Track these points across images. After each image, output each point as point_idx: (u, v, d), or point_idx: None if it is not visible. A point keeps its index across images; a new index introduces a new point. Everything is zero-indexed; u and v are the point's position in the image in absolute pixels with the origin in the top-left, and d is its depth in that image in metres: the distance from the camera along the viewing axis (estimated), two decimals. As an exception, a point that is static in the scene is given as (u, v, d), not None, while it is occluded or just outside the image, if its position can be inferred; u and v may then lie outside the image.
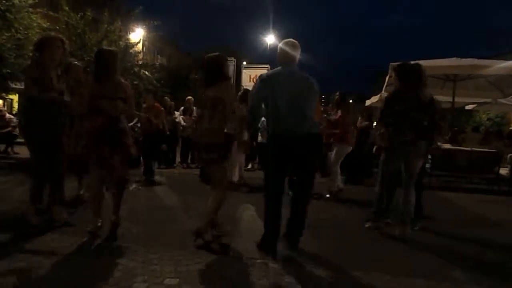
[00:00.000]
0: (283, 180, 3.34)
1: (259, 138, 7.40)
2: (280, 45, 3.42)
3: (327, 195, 5.77)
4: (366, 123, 7.92)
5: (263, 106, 3.29)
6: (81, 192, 4.77)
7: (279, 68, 3.34)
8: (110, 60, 3.48)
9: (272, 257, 3.04)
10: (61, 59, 3.78)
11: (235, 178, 6.72)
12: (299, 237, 3.27)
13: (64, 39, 3.86)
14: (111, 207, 3.49)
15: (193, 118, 8.20)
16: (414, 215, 4.04)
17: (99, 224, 3.42)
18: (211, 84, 3.34)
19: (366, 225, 4.08)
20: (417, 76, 3.81)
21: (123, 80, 3.60)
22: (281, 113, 3.18)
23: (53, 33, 4.43)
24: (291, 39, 3.42)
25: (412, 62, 3.96)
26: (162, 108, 7.30)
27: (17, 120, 10.01)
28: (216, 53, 3.48)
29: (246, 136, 6.69)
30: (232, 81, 14.66)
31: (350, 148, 5.91)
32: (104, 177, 3.48)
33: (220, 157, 3.31)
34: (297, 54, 3.37)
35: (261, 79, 3.28)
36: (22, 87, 4.11)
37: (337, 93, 6.13)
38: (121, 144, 3.43)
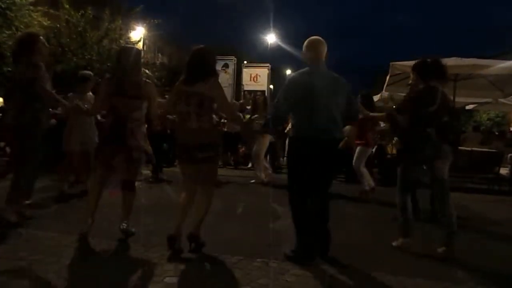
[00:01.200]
0: (307, 183, 3.14)
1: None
2: (304, 44, 3.26)
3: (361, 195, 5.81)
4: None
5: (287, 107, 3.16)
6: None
7: (307, 68, 3.19)
8: (126, 58, 3.34)
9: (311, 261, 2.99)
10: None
11: (264, 177, 6.76)
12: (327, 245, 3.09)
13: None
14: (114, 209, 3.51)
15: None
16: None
17: (90, 221, 3.28)
18: (197, 79, 3.11)
19: (394, 244, 3.52)
20: (442, 74, 3.54)
21: (145, 79, 3.50)
22: (311, 115, 3.05)
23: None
24: (315, 37, 3.25)
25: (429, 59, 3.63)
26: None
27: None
28: (202, 45, 3.25)
29: (269, 137, 6.76)
30: (233, 80, 14.69)
31: (370, 150, 5.88)
32: (105, 178, 3.41)
33: (213, 156, 3.19)
34: (323, 52, 3.20)
35: (290, 80, 3.18)
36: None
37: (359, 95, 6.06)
38: (125, 145, 3.29)
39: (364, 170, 5.86)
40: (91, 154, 5.20)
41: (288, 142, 3.54)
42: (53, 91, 3.91)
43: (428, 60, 3.59)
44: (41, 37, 3.97)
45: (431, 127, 3.36)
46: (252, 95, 12.46)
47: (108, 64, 9.64)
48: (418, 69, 3.59)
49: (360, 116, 5.38)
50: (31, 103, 3.67)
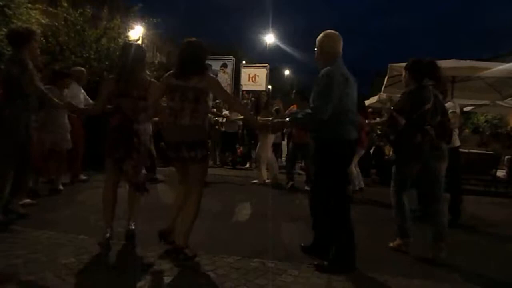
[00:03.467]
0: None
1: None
2: (331, 35, 3.16)
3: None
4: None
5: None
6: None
7: (340, 63, 3.10)
8: (129, 56, 3.20)
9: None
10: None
11: (265, 177, 6.76)
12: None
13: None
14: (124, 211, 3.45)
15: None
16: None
17: (108, 235, 3.09)
18: (191, 73, 2.96)
19: (390, 245, 3.56)
20: (436, 75, 3.50)
21: (149, 78, 3.36)
22: (354, 115, 3.08)
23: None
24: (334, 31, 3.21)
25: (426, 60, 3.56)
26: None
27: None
28: (193, 38, 3.10)
29: (272, 137, 6.73)
30: (231, 80, 14.68)
31: (363, 150, 5.84)
32: (116, 182, 3.28)
33: (203, 156, 3.03)
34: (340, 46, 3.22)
35: (344, 76, 2.98)
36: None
37: None
38: (134, 148, 3.16)
39: (355, 171, 5.85)
40: (63, 153, 5.10)
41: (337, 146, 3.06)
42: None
43: (423, 60, 3.53)
44: (35, 32, 3.86)
45: (428, 126, 3.32)
46: (251, 94, 12.40)
47: (106, 62, 9.59)
48: (412, 69, 3.52)
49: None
50: (12, 100, 3.62)
